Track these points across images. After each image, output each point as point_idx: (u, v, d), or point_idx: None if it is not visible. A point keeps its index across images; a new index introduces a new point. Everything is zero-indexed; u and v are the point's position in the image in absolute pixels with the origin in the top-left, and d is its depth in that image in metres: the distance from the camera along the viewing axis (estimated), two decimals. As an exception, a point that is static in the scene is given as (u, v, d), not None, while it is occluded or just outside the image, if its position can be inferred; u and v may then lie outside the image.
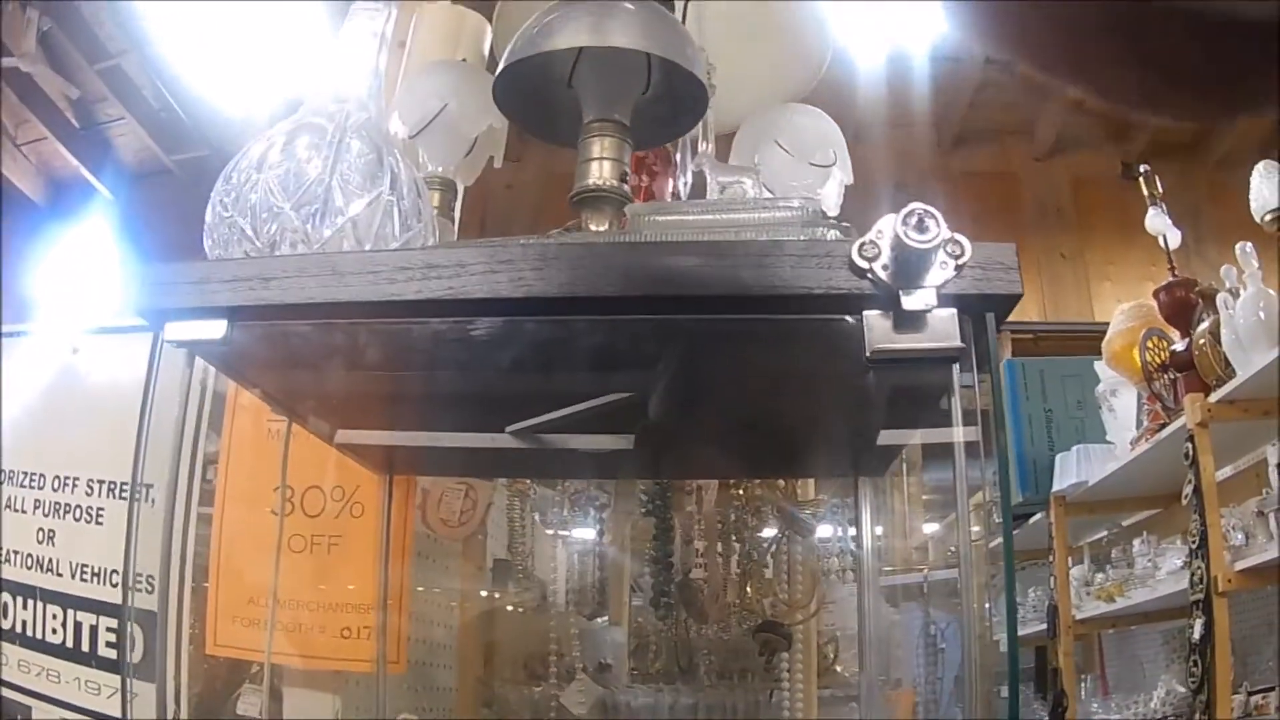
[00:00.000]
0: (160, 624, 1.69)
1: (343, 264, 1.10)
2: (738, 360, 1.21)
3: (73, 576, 2.09)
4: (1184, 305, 3.09)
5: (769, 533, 1.77)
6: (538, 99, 1.34)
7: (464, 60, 1.71)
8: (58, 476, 2.17)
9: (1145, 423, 3.27)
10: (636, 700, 1.81)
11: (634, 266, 1.00)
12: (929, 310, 0.97)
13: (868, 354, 0.96)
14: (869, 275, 0.96)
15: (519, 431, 1.47)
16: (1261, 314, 2.77)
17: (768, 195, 1.31)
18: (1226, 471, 3.23)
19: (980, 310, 0.99)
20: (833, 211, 1.60)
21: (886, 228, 0.96)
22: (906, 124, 4.82)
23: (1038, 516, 3.79)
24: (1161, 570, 3.19)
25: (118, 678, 1.98)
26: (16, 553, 2.16)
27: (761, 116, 1.58)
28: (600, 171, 1.26)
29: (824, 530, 1.81)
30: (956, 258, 0.97)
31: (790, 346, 1.08)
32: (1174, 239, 3.23)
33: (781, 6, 1.78)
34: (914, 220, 0.93)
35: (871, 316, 0.97)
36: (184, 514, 2.01)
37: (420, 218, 1.26)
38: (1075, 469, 3.54)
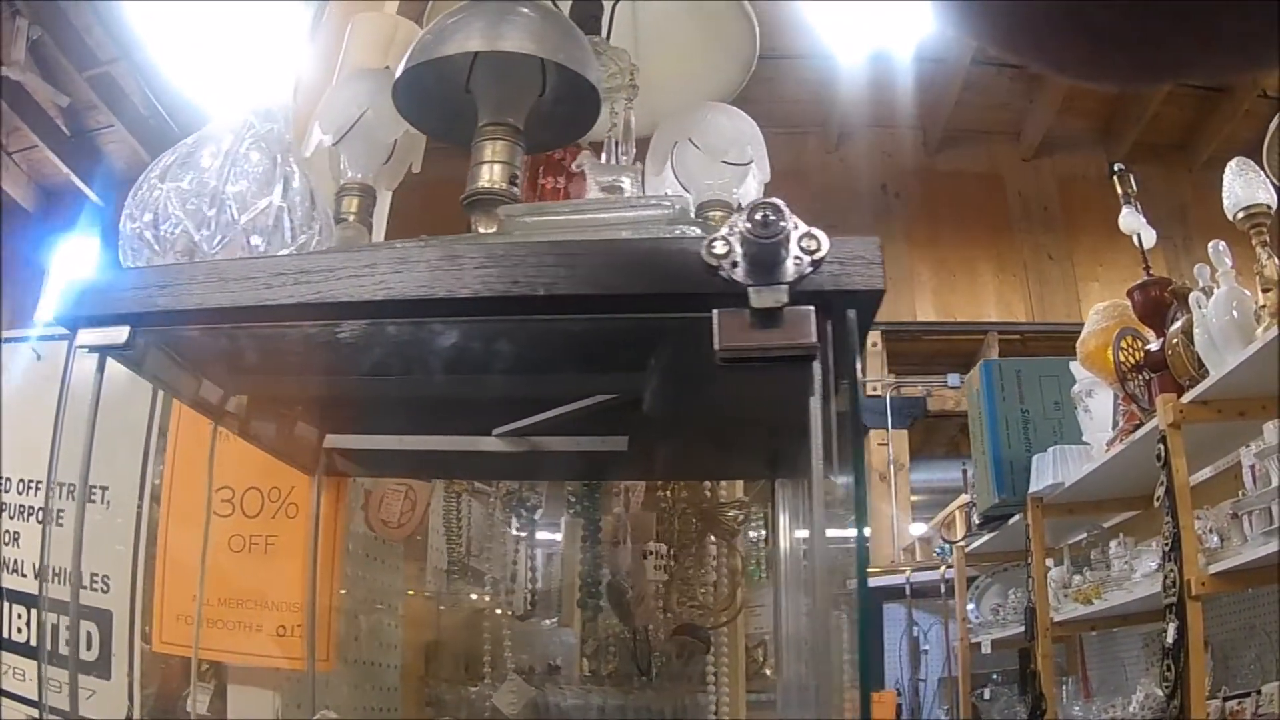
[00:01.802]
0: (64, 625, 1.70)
1: (227, 270, 1.12)
2: (631, 362, 1.21)
3: (36, 577, 2.11)
4: (1158, 304, 3.09)
5: (692, 535, 1.77)
6: (436, 103, 1.36)
7: (388, 68, 1.72)
8: (22, 480, 2.20)
9: (1121, 423, 3.26)
10: (566, 701, 1.81)
11: (488, 268, 1.00)
12: (781, 308, 0.96)
13: (716, 352, 0.96)
14: (719, 273, 0.96)
15: (505, 434, 1.48)
16: (1235, 313, 2.76)
17: (644, 195, 1.31)
18: (1206, 473, 3.22)
19: (842, 307, 0.98)
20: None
21: (735, 224, 0.96)
22: (890, 125, 4.82)
23: (1015, 518, 3.78)
24: (1137, 572, 3.17)
25: (81, 675, 2.00)
26: (-15, 557, 2.20)
27: (677, 116, 1.59)
28: (490, 174, 1.27)
29: (750, 533, 1.81)
30: (811, 253, 0.96)
31: (679, 347, 1.08)
32: (1149, 238, 3.23)
33: (710, 7, 1.79)
34: (760, 215, 0.93)
35: (723, 315, 0.96)
36: (136, 515, 2.04)
37: (313, 224, 1.28)
38: (1051, 470, 3.53)
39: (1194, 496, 2.90)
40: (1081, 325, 3.38)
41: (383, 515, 1.99)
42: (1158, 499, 2.91)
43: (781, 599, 1.60)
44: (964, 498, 4.63)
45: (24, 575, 2.19)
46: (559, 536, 1.89)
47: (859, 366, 1.03)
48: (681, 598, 1.73)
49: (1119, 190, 3.23)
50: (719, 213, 1.55)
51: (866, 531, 1.08)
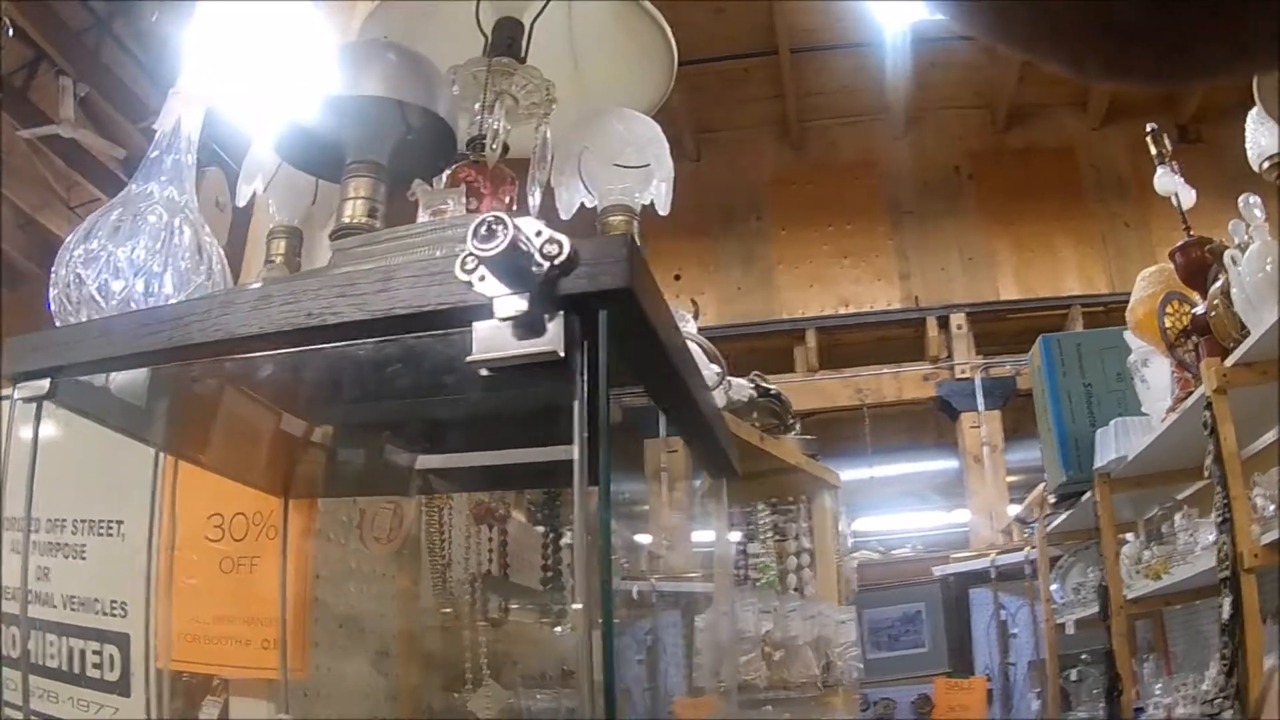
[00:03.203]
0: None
1: (110, 326, 1.28)
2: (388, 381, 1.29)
3: (64, 607, 2.30)
4: (1200, 265, 2.97)
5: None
6: (314, 144, 1.46)
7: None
8: (49, 519, 2.40)
9: (1177, 391, 3.15)
10: (536, 704, 1.89)
11: (289, 304, 1.10)
12: (522, 315, 1.01)
13: (467, 362, 1.02)
14: (471, 288, 1.02)
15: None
16: (1269, 268, 2.65)
17: (461, 216, 1.38)
18: (1270, 437, 3.08)
19: (595, 308, 1.02)
20: (664, 209, 1.67)
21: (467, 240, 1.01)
22: (958, 106, 4.73)
23: (1088, 495, 3.67)
24: (1199, 545, 3.06)
25: (103, 695, 2.17)
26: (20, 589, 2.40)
27: (576, 126, 1.65)
28: (352, 210, 1.37)
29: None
30: (553, 258, 1.00)
31: (417, 365, 1.15)
32: (1187, 198, 3.11)
33: (628, 14, 1.84)
34: (482, 230, 0.99)
35: (481, 327, 1.02)
36: (147, 547, 2.21)
37: (199, 272, 1.41)
38: (1114, 443, 3.44)
39: (1256, 464, 2.78)
40: (1123, 295, 3.28)
41: (374, 532, 2.10)
42: (1207, 469, 2.81)
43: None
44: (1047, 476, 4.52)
45: (54, 606, 2.38)
46: (524, 543, 1.97)
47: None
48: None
49: (1153, 150, 3.12)
50: (622, 218, 1.61)
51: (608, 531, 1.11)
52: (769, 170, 7.03)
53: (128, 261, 1.41)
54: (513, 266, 1.00)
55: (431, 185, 1.64)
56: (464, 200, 1.35)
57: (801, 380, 6.17)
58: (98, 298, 1.40)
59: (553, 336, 1.01)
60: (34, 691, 2.32)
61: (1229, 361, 2.76)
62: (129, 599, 2.21)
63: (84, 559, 2.32)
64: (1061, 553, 4.36)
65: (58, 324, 1.52)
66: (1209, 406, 2.81)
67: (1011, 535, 5.36)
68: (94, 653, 2.26)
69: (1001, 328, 5.91)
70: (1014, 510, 5.67)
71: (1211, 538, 2.96)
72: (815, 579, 2.29)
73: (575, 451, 1.03)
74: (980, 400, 5.75)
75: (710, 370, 1.70)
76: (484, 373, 1.04)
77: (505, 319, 1.01)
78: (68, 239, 1.50)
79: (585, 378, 1.02)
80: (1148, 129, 3.15)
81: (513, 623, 1.96)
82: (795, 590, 2.22)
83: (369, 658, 2.11)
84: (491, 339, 1.03)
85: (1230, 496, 2.74)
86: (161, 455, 2.23)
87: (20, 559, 1.56)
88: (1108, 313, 4.57)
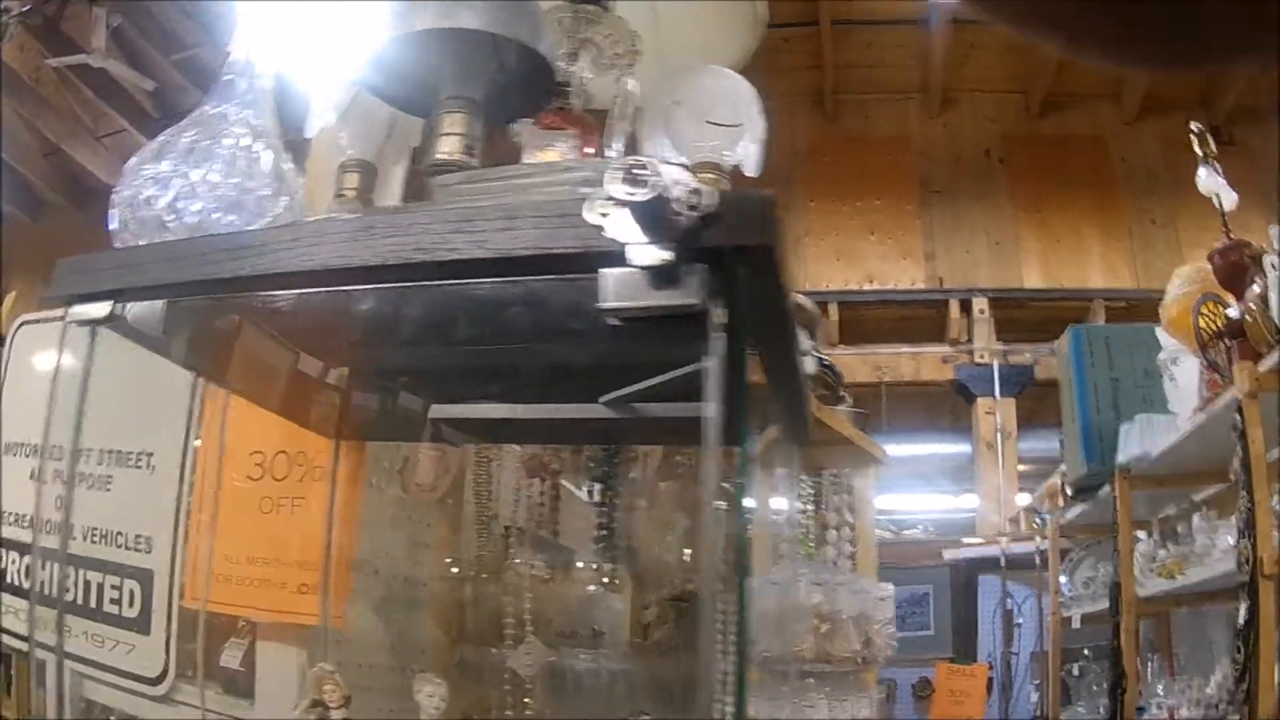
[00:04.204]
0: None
1: (182, 249, 1.23)
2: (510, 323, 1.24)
3: (84, 539, 2.25)
4: (1238, 268, 2.94)
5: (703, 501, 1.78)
6: (407, 79, 1.40)
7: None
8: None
9: (1205, 392, 3.13)
10: (580, 665, 1.85)
11: (396, 237, 1.05)
12: (667, 266, 0.97)
13: (599, 310, 0.98)
14: (603, 232, 0.98)
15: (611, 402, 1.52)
16: (1309, 277, 2.63)
17: (574, 160, 1.33)
18: (1291, 443, 3.07)
19: (733, 263, 0.98)
20: (752, 171, 1.61)
21: (610, 183, 0.97)
22: (993, 90, 4.68)
23: (1106, 489, 3.66)
24: (1217, 548, 3.05)
25: (120, 631, 2.13)
26: (47, 520, 2.35)
27: (667, 80, 1.60)
28: (448, 145, 1.31)
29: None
30: (693, 209, 0.96)
31: (542, 308, 1.11)
32: (1228, 200, 3.08)
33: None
34: (628, 174, 0.94)
35: (609, 274, 0.98)
36: (179, 480, 2.16)
37: (279, 202, 1.35)
38: (1138, 440, 3.42)
39: (1274, 471, 2.77)
40: (1158, 291, 3.26)
41: (417, 479, 2.05)
42: (1234, 472, 2.79)
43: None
44: (1063, 467, 4.52)
45: (73, 538, 2.30)
46: (582, 499, 1.92)
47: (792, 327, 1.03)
48: (692, 563, 1.75)
49: (1197, 150, 3.09)
50: (710, 175, 1.56)
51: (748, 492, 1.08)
52: (802, 140, 6.86)
53: (204, 184, 1.34)
54: (652, 214, 0.96)
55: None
56: (575, 144, 1.30)
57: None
58: (168, 220, 1.34)
59: (692, 288, 0.97)
60: (46, 624, 2.28)
61: (1263, 366, 2.73)
62: (154, 534, 2.17)
63: (108, 490, 2.27)
64: (1073, 546, 4.36)
65: (118, 246, 1.46)
66: (1239, 409, 2.78)
67: (1019, 524, 5.36)
68: (113, 587, 2.21)
69: (1023, 315, 5.88)
70: (1022, 499, 5.68)
71: (1231, 541, 2.95)
72: (855, 553, 2.27)
73: (709, 409, 0.99)
74: (997, 387, 5.73)
75: (803, 336, 1.66)
76: (613, 322, 1.00)
77: (641, 267, 0.97)
78: (134, 158, 1.43)
79: (724, 332, 0.98)
80: (1193, 128, 3.11)
81: (559, 581, 1.92)
82: (833, 563, 2.20)
83: (403, 607, 2.07)
84: (622, 287, 0.99)
85: (1254, 501, 2.73)
86: (199, 388, 2.18)
87: (64, 491, 1.49)
88: (1130, 309, 4.57)
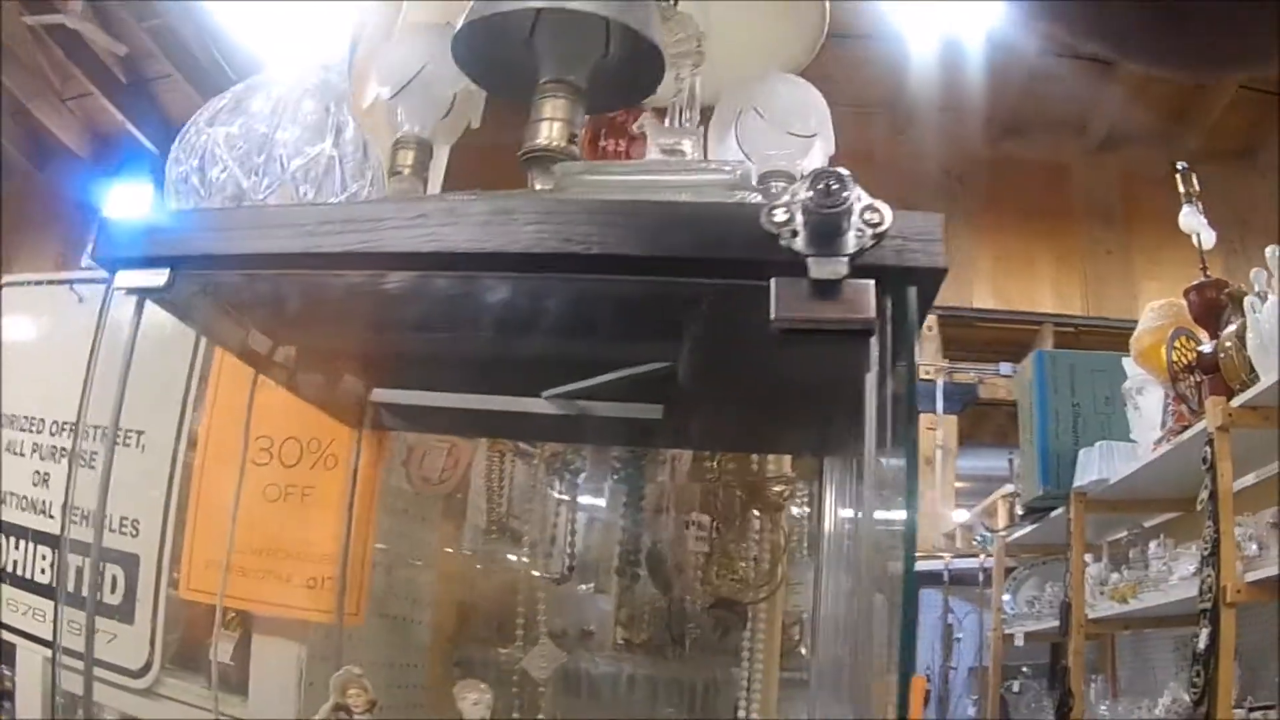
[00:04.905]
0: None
1: (272, 216, 1.12)
2: (685, 328, 1.19)
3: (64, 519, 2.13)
4: (1213, 306, 3.02)
5: (736, 508, 1.75)
6: (496, 58, 1.33)
7: (449, 24, 1.70)
8: (56, 421, 2.21)
9: (1169, 423, 3.20)
10: (597, 668, 1.81)
11: (541, 224, 0.98)
12: (840, 280, 0.93)
13: (772, 321, 0.93)
14: (779, 240, 0.94)
15: (554, 397, 1.47)
16: (1288, 321, 2.70)
17: (705, 159, 1.29)
18: (1248, 480, 3.16)
19: (902, 284, 0.96)
20: (816, 183, 1.58)
21: (797, 192, 0.93)
22: (956, 109, 4.73)
23: (1059, 511, 3.73)
24: (1175, 575, 3.13)
25: (102, 619, 2.01)
26: (13, 495, 2.21)
27: (742, 85, 1.55)
28: (549, 132, 1.25)
29: (794, 510, 1.79)
30: (874, 226, 0.93)
31: (724, 314, 1.06)
32: (1208, 239, 3.15)
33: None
34: (822, 185, 0.91)
35: (780, 284, 0.94)
36: (171, 460, 2.04)
37: (364, 174, 1.27)
38: (1098, 466, 3.49)
39: (1234, 503, 2.84)
40: (1136, 322, 3.33)
41: (423, 471, 1.98)
42: (1201, 502, 2.86)
43: (822, 578, 1.58)
44: (1008, 487, 4.59)
45: (52, 517, 2.20)
46: (601, 502, 1.88)
47: (916, 346, 1.00)
48: (721, 570, 1.72)
49: (1181, 189, 3.16)
50: (781, 184, 1.52)
51: (914, 514, 1.06)
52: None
53: (286, 147, 1.25)
54: (832, 227, 0.93)
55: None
56: (702, 142, 1.24)
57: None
58: (243, 183, 1.24)
59: (865, 305, 0.93)
60: (18, 608, 2.14)
61: (1235, 402, 2.80)
62: (143, 517, 2.05)
63: (93, 468, 2.13)
64: (1017, 565, 4.44)
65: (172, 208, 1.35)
66: (1210, 442, 2.85)
67: (955, 540, 5.44)
68: (94, 571, 2.09)
69: (971, 335, 5.94)
70: (958, 516, 5.76)
71: (1191, 569, 3.02)
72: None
73: (870, 425, 0.96)
74: (940, 403, 5.81)
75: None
76: (779, 332, 0.95)
77: (819, 280, 0.93)
78: (199, 114, 1.33)
79: (890, 352, 0.95)
80: (1178, 167, 3.19)
81: (575, 583, 1.87)
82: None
83: (406, 605, 2.00)
84: (791, 298, 0.94)
85: (1220, 532, 2.79)
86: (198, 366, 2.07)
87: (99, 474, 1.38)
88: (1078, 334, 4.66)
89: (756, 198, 1.04)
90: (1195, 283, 3.08)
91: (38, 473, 2.21)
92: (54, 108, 4.77)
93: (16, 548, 2.18)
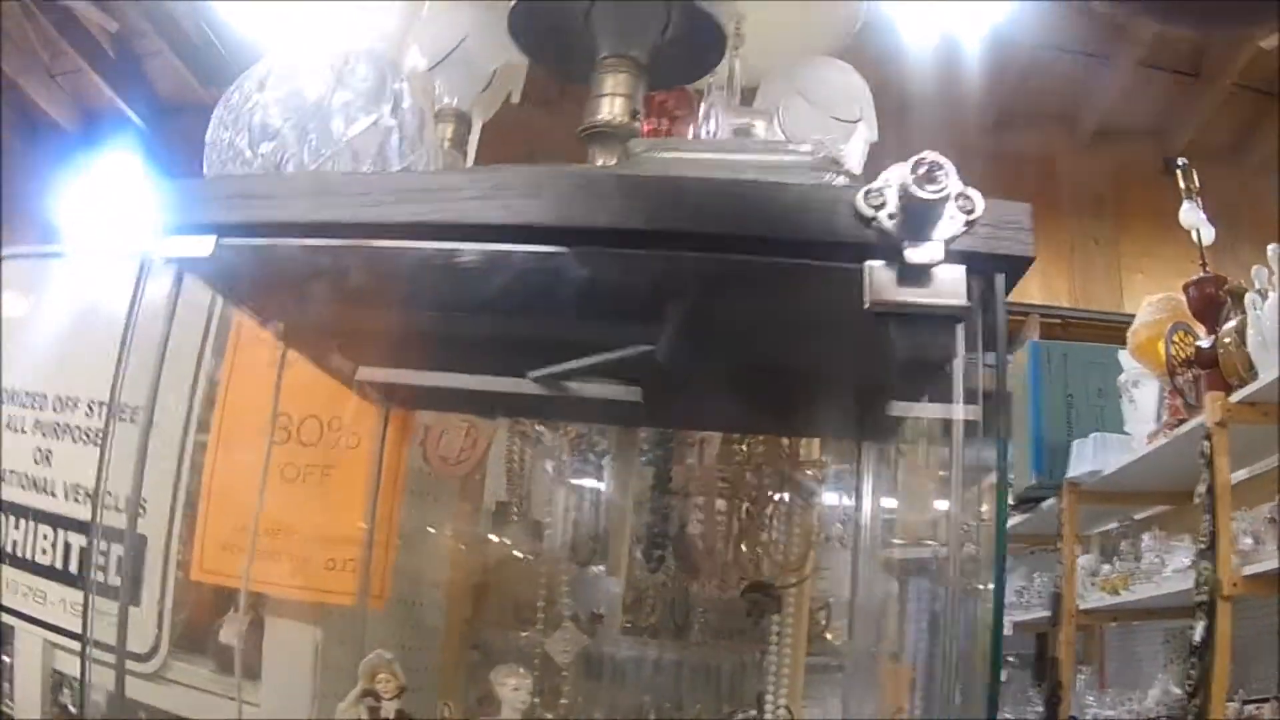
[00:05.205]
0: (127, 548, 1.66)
1: (333, 183, 1.08)
2: (739, 304, 1.17)
3: (66, 498, 2.07)
4: (1213, 302, 3.04)
5: (767, 492, 1.74)
6: (553, 33, 1.31)
7: (491, -3, 1.67)
8: (59, 397, 2.16)
9: (1165, 417, 3.23)
10: (621, 653, 1.79)
11: (631, 199, 0.96)
12: (934, 265, 0.92)
13: (866, 304, 0.92)
14: (874, 224, 0.92)
15: (541, 378, 1.44)
16: (1290, 318, 2.72)
17: (781, 139, 1.26)
18: (1241, 474, 3.18)
19: (990, 270, 0.95)
20: (856, 169, 1.56)
21: (895, 176, 0.92)
22: (949, 99, 4.71)
23: (1050, 501, 3.75)
24: (1168, 568, 3.15)
25: (104, 600, 1.95)
26: (13, 472, 2.15)
27: (787, 68, 1.53)
28: (611, 107, 1.23)
29: (825, 495, 1.78)
30: (968, 213, 0.92)
31: (794, 294, 1.04)
32: (1208, 235, 3.16)
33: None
34: (923, 170, 0.90)
35: (874, 267, 0.93)
36: (180, 439, 2.00)
37: (422, 145, 1.23)
38: (1091, 457, 3.50)
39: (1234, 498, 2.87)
40: (1122, 315, 3.35)
41: (441, 451, 1.94)
42: (1198, 496, 2.88)
43: (860, 566, 1.57)
44: (995, 476, 4.58)
45: (53, 495, 2.14)
46: (627, 483, 1.84)
47: (1005, 333, 0.99)
48: (752, 554, 1.70)
49: (1181, 184, 3.17)
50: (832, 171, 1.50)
51: (1005, 507, 1.05)
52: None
53: (341, 114, 1.20)
54: (929, 213, 0.91)
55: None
56: (775, 122, 1.22)
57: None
58: (296, 150, 1.19)
59: (958, 291, 0.93)
60: (17, 589, 2.09)
61: (1234, 397, 2.83)
62: (150, 497, 2.00)
63: (97, 445, 2.09)
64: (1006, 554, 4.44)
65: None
66: (1208, 437, 2.87)
67: (936, 528, 5.43)
68: (99, 553, 2.03)
69: (959, 324, 5.91)
70: (941, 504, 5.76)
71: (1186, 561, 3.05)
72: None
73: (959, 411, 0.97)
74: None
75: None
76: (872, 313, 0.94)
77: (915, 265, 0.92)
78: (243, 79, 1.27)
79: (981, 338, 0.95)
80: (1178, 163, 3.19)
81: (600, 567, 1.84)
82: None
83: (420, 588, 1.96)
84: (884, 282, 0.93)
85: (1218, 526, 2.82)
86: (211, 340, 2.02)
87: (136, 458, 1.34)
88: (1065, 326, 4.68)
89: (842, 180, 1.02)
90: (1194, 278, 3.09)
91: (39, 450, 2.16)
92: (44, 84, 4.71)
93: (16, 527, 2.12)
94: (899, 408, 1.44)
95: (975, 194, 0.93)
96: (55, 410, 2.17)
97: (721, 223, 0.94)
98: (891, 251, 0.92)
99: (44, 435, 2.15)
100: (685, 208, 0.95)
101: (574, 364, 1.40)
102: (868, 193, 0.92)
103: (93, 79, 4.79)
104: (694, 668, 1.78)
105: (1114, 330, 3.34)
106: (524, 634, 1.81)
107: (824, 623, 1.86)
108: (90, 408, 2.11)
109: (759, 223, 0.94)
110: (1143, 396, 3.35)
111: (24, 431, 2.19)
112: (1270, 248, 2.80)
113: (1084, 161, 5.23)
